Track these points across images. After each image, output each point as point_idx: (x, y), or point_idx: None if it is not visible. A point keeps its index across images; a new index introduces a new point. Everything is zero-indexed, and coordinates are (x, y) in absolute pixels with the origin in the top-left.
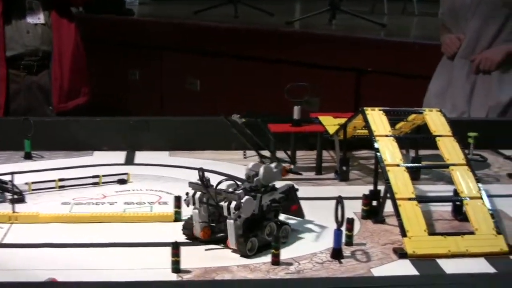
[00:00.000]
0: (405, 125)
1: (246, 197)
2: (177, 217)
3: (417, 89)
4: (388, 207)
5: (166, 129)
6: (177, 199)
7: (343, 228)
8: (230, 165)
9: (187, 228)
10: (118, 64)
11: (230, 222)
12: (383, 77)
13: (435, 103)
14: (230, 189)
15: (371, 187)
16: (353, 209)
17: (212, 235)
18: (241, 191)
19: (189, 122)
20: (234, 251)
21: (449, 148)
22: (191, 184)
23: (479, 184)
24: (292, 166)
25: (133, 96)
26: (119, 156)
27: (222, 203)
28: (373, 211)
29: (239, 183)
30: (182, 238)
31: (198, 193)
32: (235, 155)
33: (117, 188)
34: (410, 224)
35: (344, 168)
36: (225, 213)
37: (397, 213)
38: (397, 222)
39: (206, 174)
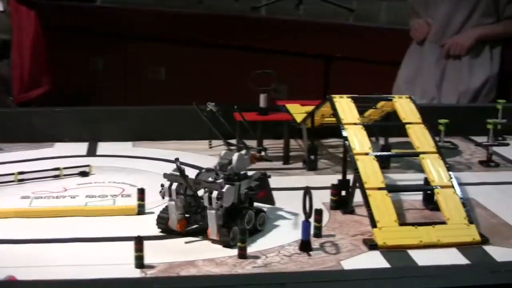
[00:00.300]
0: (374, 112)
1: (227, 186)
2: (140, 210)
3: (387, 76)
4: (358, 197)
5: (130, 119)
6: (141, 191)
7: (312, 220)
8: (195, 155)
9: (162, 221)
10: (80, 52)
11: (211, 212)
12: (352, 64)
13: (405, 89)
14: (210, 179)
15: (340, 176)
16: (322, 199)
17: (187, 226)
18: (221, 180)
19: (153, 111)
20: (214, 241)
21: (419, 136)
22: (166, 175)
23: (450, 173)
24: (263, 153)
25: (96, 85)
26: (81, 147)
27: (200, 193)
28: (342, 202)
29: (219, 172)
30: (145, 231)
31: (175, 184)
32: (199, 145)
33: (79, 181)
34: (380, 214)
35: (312, 157)
36: (206, 203)
37: (367, 204)
38: (367, 213)
39: (170, 164)
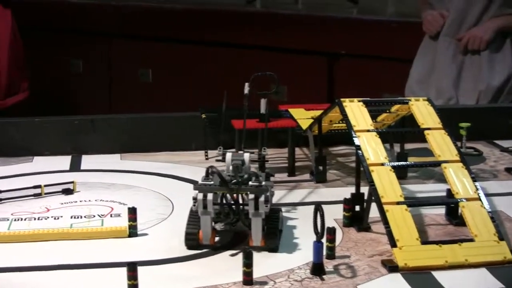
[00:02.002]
0: (387, 117)
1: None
2: (132, 232)
3: (397, 74)
4: (374, 212)
5: (116, 129)
6: (132, 210)
7: (324, 239)
8: (191, 168)
9: (193, 237)
10: (58, 54)
11: (257, 219)
12: (358, 61)
13: (419, 90)
14: (251, 183)
15: (352, 189)
16: (333, 215)
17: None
18: (263, 182)
19: (142, 119)
20: (257, 249)
21: (440, 143)
22: (197, 186)
23: (477, 183)
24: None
25: (77, 90)
26: (63, 161)
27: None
28: (356, 218)
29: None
30: (139, 256)
31: (210, 195)
32: (195, 156)
33: (62, 200)
34: (400, 232)
35: (321, 168)
36: (252, 209)
37: (385, 220)
38: (384, 230)
39: (164, 179)
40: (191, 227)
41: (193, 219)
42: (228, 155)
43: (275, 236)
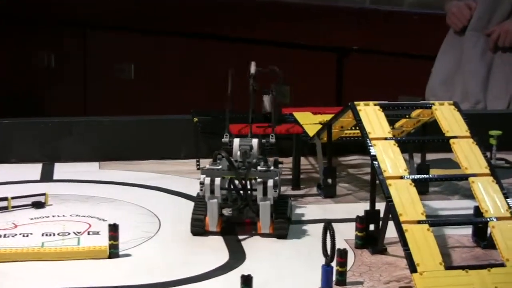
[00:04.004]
0: (407, 122)
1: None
2: (113, 252)
3: (417, 74)
4: (391, 232)
5: (95, 133)
6: (113, 227)
7: (333, 263)
8: (180, 180)
9: (200, 223)
10: (26, 47)
11: (266, 204)
12: (373, 58)
13: (442, 92)
14: (259, 167)
15: (366, 205)
16: (344, 235)
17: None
18: (272, 167)
19: (124, 122)
20: (265, 235)
21: (467, 153)
22: (204, 170)
23: (509, 200)
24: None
25: (49, 89)
26: (33, 170)
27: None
28: (370, 238)
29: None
30: (121, 279)
31: (218, 179)
32: (185, 165)
33: (32, 214)
34: (421, 255)
35: (330, 180)
36: (260, 194)
37: (404, 241)
38: (403, 253)
39: (150, 191)
40: (198, 213)
41: (200, 205)
42: (236, 140)
43: (284, 223)
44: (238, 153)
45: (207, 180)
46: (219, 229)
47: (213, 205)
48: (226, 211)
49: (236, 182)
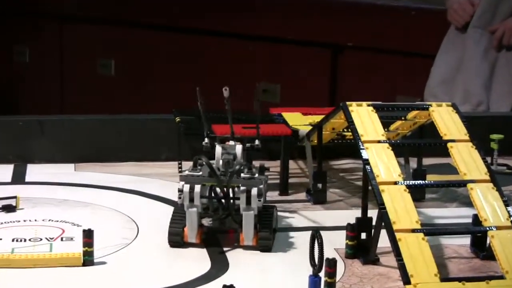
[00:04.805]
0: (403, 125)
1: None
2: (87, 260)
3: (416, 72)
4: (383, 241)
5: (70, 133)
6: (88, 233)
7: (322, 273)
8: (161, 183)
9: (177, 237)
10: None
11: (249, 214)
12: (368, 55)
13: (442, 92)
14: (243, 174)
15: (358, 213)
16: (334, 244)
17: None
18: (256, 175)
19: (102, 122)
20: (248, 247)
21: (466, 158)
22: (183, 177)
23: (510, 209)
24: None
25: (21, 85)
26: (4, 171)
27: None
28: (361, 248)
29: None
30: None
31: (198, 187)
32: (166, 168)
33: (2, 219)
34: (415, 266)
35: (319, 185)
36: (243, 203)
37: (397, 251)
38: (396, 263)
39: (128, 195)
40: (176, 223)
41: (178, 214)
42: (218, 149)
43: (269, 235)
44: (221, 162)
45: (186, 188)
46: (199, 241)
47: (193, 214)
48: (206, 221)
49: (218, 190)
